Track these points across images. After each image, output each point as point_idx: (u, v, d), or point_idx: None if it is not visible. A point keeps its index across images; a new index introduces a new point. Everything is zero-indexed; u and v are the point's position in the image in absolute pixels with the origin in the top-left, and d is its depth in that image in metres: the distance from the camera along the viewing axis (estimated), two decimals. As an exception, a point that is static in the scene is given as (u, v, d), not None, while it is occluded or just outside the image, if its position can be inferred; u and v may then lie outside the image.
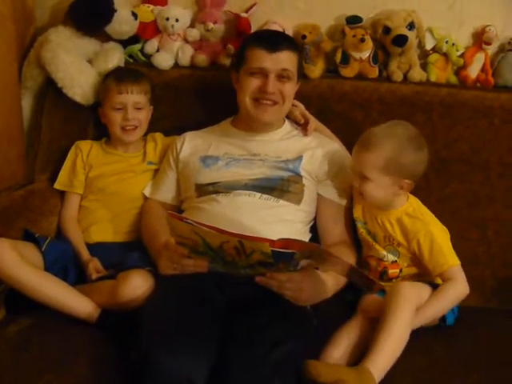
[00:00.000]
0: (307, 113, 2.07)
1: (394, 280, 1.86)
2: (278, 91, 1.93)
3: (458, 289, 1.77)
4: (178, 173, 2.05)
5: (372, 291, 1.67)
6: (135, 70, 2.14)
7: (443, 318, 1.80)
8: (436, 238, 1.78)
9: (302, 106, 2.08)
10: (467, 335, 1.81)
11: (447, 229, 1.92)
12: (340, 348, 1.68)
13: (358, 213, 1.93)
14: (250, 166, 1.95)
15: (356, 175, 1.81)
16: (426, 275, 1.84)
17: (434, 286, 1.79)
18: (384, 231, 1.86)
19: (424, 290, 1.77)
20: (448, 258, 1.77)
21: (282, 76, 1.92)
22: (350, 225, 1.97)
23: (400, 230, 1.83)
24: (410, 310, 1.66)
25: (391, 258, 1.86)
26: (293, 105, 2.05)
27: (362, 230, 1.92)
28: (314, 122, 2.06)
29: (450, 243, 1.83)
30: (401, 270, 1.86)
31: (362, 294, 1.81)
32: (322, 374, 1.53)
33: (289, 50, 1.93)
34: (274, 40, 1.95)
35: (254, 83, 1.93)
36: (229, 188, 1.90)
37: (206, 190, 1.93)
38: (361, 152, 1.79)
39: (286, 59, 1.93)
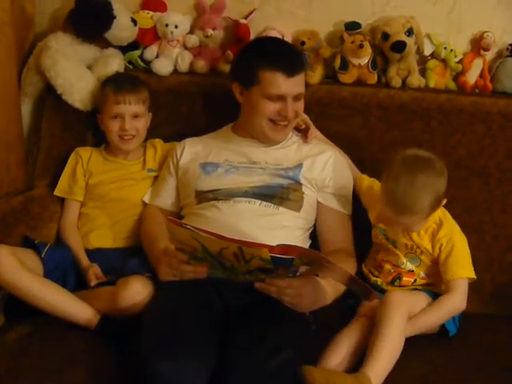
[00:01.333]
0: (308, 119, 2.07)
1: (405, 288, 1.86)
2: (294, 112, 1.93)
3: (454, 303, 1.78)
4: (177, 179, 2.05)
5: (369, 300, 1.68)
6: (133, 78, 2.13)
7: (446, 331, 1.81)
8: (456, 247, 1.79)
9: (304, 115, 2.08)
10: (466, 342, 1.82)
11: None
12: (338, 354, 1.68)
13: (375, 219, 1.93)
14: (249, 173, 1.95)
15: (400, 225, 1.78)
16: (435, 285, 1.85)
17: (435, 296, 1.80)
18: (408, 240, 1.85)
19: (418, 297, 1.79)
20: (460, 270, 1.78)
21: (297, 96, 1.93)
22: (352, 232, 1.98)
23: (427, 238, 1.83)
24: (401, 316, 1.67)
25: (409, 266, 1.86)
26: None
27: (380, 237, 1.91)
28: (314, 130, 2.07)
29: (469, 255, 1.83)
30: (415, 280, 1.87)
31: (361, 300, 1.82)
32: (317, 379, 1.53)
33: (303, 71, 1.94)
34: (290, 64, 1.91)
35: (272, 107, 1.92)
36: (229, 195, 1.91)
37: (206, 196, 1.93)
38: (403, 217, 1.74)
39: (300, 82, 1.93)
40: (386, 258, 1.91)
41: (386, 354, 1.61)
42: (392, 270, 1.88)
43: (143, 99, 2.07)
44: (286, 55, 1.95)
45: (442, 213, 1.85)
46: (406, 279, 1.86)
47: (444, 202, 1.80)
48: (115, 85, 2.06)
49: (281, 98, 1.90)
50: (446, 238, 1.80)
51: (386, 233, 1.90)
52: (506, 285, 2.11)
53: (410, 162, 1.76)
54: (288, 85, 1.89)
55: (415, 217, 1.74)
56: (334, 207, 1.97)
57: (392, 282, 1.87)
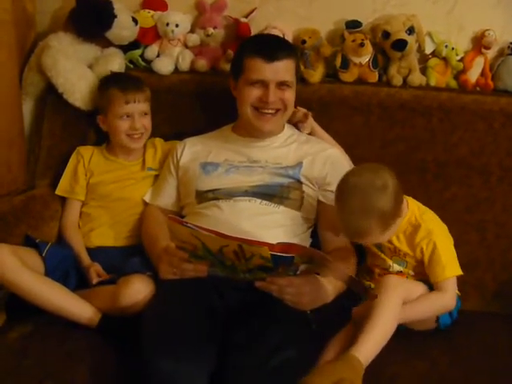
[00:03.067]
0: (309, 114, 2.08)
1: None
2: (278, 99, 1.93)
3: (444, 300, 1.78)
4: (178, 179, 2.05)
5: (368, 299, 1.68)
6: (134, 77, 2.13)
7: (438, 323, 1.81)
8: (438, 248, 1.78)
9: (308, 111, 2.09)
10: (467, 340, 1.82)
11: (447, 232, 1.94)
12: (335, 355, 1.67)
13: None
14: (249, 173, 1.95)
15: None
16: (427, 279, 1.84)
17: (430, 286, 1.80)
18: (389, 244, 1.84)
19: (415, 285, 1.79)
20: (445, 270, 1.77)
21: (281, 84, 1.92)
22: None
23: (406, 241, 1.82)
24: (397, 298, 1.68)
25: (397, 267, 1.86)
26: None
27: None
28: (317, 127, 2.09)
29: (453, 251, 1.83)
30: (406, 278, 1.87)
31: (360, 300, 1.82)
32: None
33: (287, 58, 1.93)
34: (271, 49, 1.93)
35: (254, 93, 1.93)
36: (229, 195, 1.91)
37: (207, 196, 1.93)
38: (359, 240, 1.78)
39: (284, 69, 1.92)
40: (374, 263, 1.91)
41: (377, 334, 1.62)
42: (381, 274, 1.88)
43: (148, 97, 2.08)
44: (267, 42, 2.00)
45: (417, 211, 1.83)
46: None
47: (403, 209, 1.76)
48: (121, 85, 2.05)
49: (263, 83, 1.91)
50: (426, 241, 1.78)
51: None
52: (507, 283, 2.11)
53: (348, 192, 1.73)
54: (269, 69, 1.90)
55: (370, 237, 1.74)
56: (334, 205, 1.96)
57: None
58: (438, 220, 1.86)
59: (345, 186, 1.74)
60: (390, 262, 1.87)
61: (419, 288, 1.79)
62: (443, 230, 1.85)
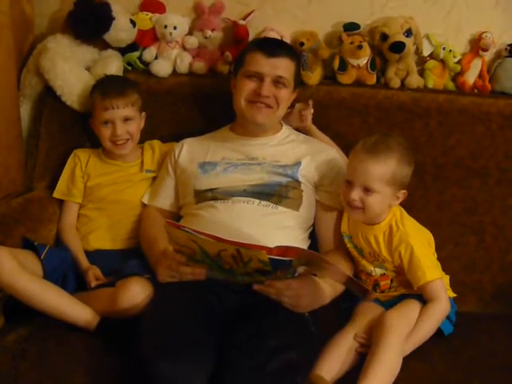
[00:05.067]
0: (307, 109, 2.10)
1: (386, 291, 1.87)
2: (272, 96, 1.95)
3: (440, 309, 1.77)
4: (176, 179, 2.05)
5: (367, 299, 1.67)
6: (122, 80, 2.13)
7: (440, 331, 1.80)
8: (415, 251, 1.77)
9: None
10: (466, 342, 1.82)
11: (445, 234, 1.94)
12: (335, 356, 1.68)
13: (344, 227, 1.92)
14: (248, 171, 1.95)
15: (357, 187, 1.77)
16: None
17: (422, 299, 1.79)
18: (369, 247, 1.85)
19: (412, 310, 1.77)
20: (426, 273, 1.76)
21: (277, 82, 1.94)
22: None
23: (384, 245, 1.82)
24: (400, 339, 1.66)
25: (379, 271, 1.86)
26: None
27: (349, 245, 1.91)
28: (316, 130, 2.11)
29: (433, 256, 1.84)
30: (392, 281, 1.86)
31: (357, 302, 1.82)
32: None
33: (287, 57, 1.96)
34: (273, 45, 1.99)
35: (249, 86, 1.95)
36: (227, 194, 1.91)
37: (205, 196, 1.93)
38: (368, 163, 1.74)
39: (283, 66, 1.95)
40: (359, 268, 1.91)
41: (382, 375, 1.60)
42: (367, 280, 1.89)
43: (132, 102, 2.05)
44: (270, 40, 2.08)
45: (399, 215, 1.84)
46: (383, 283, 1.87)
47: (403, 193, 1.80)
48: (102, 90, 2.04)
49: (259, 76, 1.94)
50: (404, 245, 1.78)
51: (352, 240, 1.90)
52: (505, 285, 2.11)
53: (387, 133, 1.85)
54: (267, 64, 1.93)
55: (381, 166, 1.74)
56: (331, 205, 1.96)
57: (374, 290, 1.87)
58: (419, 228, 1.87)
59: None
60: (371, 267, 1.87)
61: (415, 310, 1.77)
62: (422, 236, 1.86)
